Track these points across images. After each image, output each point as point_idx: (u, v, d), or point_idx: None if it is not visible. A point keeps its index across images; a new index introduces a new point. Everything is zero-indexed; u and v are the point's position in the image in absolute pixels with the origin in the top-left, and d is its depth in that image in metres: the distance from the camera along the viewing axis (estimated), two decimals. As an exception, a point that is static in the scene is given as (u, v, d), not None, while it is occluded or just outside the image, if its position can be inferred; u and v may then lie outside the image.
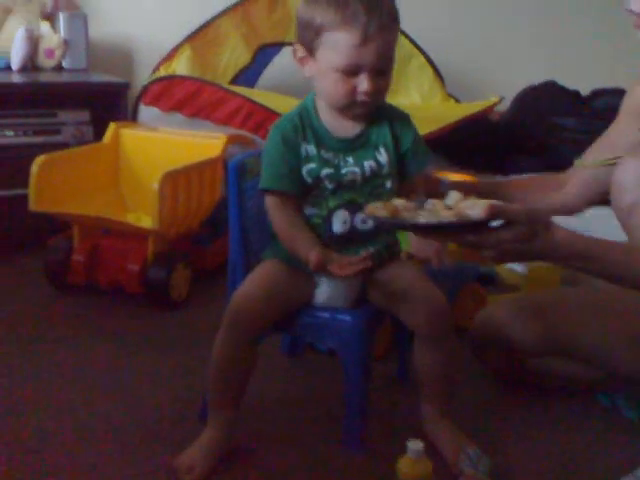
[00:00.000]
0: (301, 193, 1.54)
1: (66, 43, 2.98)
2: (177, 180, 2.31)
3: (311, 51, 1.49)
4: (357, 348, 1.60)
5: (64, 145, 2.71)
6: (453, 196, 1.36)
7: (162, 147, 2.62)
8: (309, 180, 1.53)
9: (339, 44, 1.44)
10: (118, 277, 2.33)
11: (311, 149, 1.53)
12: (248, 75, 3.20)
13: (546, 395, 1.89)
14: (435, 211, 1.32)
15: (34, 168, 2.28)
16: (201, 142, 2.58)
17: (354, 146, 1.56)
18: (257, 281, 1.55)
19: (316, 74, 1.51)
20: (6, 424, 1.69)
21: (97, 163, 2.59)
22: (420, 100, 3.41)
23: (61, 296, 2.39)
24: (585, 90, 3.57)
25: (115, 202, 2.60)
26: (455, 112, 3.15)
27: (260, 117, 2.72)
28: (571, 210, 1.83)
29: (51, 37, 2.98)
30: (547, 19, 3.95)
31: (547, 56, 3.90)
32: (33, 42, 2.92)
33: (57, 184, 2.36)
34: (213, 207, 2.49)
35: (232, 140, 2.57)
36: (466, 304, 2.18)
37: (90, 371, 1.94)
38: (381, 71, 1.48)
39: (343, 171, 1.54)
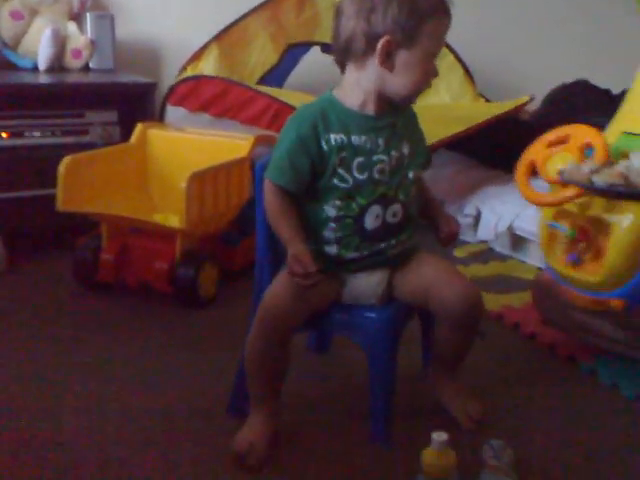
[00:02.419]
0: (305, 192, 1.53)
1: (93, 43, 2.98)
2: (205, 180, 2.29)
3: (410, 41, 1.47)
4: (383, 344, 1.59)
5: (92, 145, 2.70)
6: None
7: (190, 147, 2.61)
8: (340, 170, 1.51)
9: (439, 31, 1.49)
10: (146, 276, 2.33)
11: (340, 138, 1.51)
12: (276, 75, 3.19)
13: (571, 388, 1.89)
14: None
15: (61, 168, 2.29)
16: (229, 142, 2.56)
17: (384, 127, 1.54)
18: (285, 283, 1.54)
19: (404, 65, 1.48)
20: (34, 419, 1.70)
21: (124, 163, 2.59)
22: (450, 99, 3.38)
23: (90, 295, 2.38)
24: (617, 89, 3.52)
25: (143, 202, 2.59)
26: (485, 111, 3.12)
27: (288, 117, 2.70)
28: None
29: (78, 37, 2.98)
30: (578, 17, 3.91)
31: (578, 55, 3.85)
32: (60, 42, 2.93)
33: (84, 184, 2.36)
34: (240, 207, 2.47)
35: (260, 140, 2.55)
36: None
37: (118, 368, 1.94)
38: None
39: (374, 158, 1.53)
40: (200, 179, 2.27)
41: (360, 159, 1.52)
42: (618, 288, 1.68)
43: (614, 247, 1.64)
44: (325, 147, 1.51)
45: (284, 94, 2.90)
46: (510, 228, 2.82)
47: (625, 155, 1.58)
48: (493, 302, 2.33)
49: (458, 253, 2.85)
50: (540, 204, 1.63)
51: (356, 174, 1.52)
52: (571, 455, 1.61)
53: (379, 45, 1.46)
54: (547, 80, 3.47)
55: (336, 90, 1.57)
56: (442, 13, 1.49)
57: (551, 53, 3.82)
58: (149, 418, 1.71)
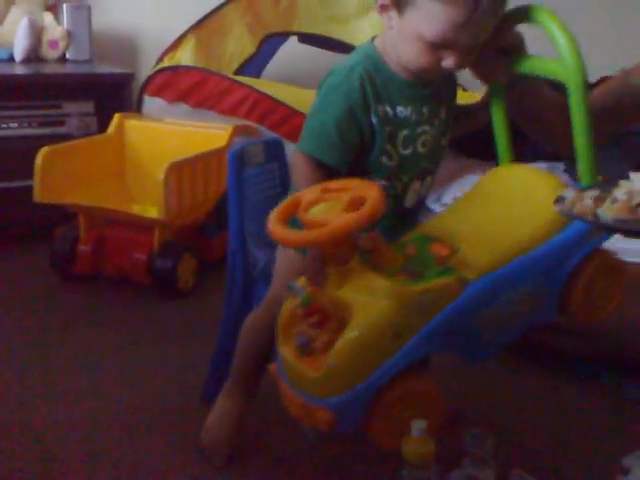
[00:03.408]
0: (348, 168, 1.34)
1: (70, 34, 2.97)
2: (182, 171, 2.30)
3: (399, 5, 1.27)
4: None
5: (68, 136, 2.69)
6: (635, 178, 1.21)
7: (167, 138, 2.61)
8: (388, 146, 1.34)
9: (436, 17, 1.23)
10: (124, 267, 2.33)
11: (388, 110, 1.33)
12: (253, 65, 3.18)
13: (549, 375, 1.90)
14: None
15: (38, 159, 2.29)
16: (207, 133, 2.56)
17: (428, 95, 1.37)
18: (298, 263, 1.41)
19: (397, 30, 1.30)
20: (16, 410, 1.70)
21: (102, 154, 2.58)
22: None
23: (67, 286, 2.38)
24: (592, 77, 3.53)
25: (120, 193, 2.59)
26: (463, 100, 3.12)
27: (266, 107, 2.70)
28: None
29: (54, 28, 2.96)
30: (556, 7, 3.91)
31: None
32: (36, 33, 2.91)
33: (62, 175, 2.36)
34: (219, 198, 2.47)
35: (238, 131, 2.55)
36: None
37: (97, 359, 1.94)
38: (472, 48, 1.30)
39: (419, 130, 1.36)
40: (178, 170, 2.27)
41: (405, 132, 1.35)
42: (332, 396, 1.20)
43: (346, 339, 1.18)
44: (375, 120, 1.32)
45: (262, 84, 2.89)
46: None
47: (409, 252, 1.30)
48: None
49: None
50: (285, 243, 1.22)
51: (401, 150, 1.36)
52: (551, 445, 1.63)
53: None
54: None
55: (378, 41, 1.36)
56: (457, 1, 1.22)
57: (530, 40, 3.83)
58: (129, 409, 1.72)
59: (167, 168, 2.22)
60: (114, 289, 2.35)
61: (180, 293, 2.31)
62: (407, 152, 1.37)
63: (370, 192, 1.17)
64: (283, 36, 3.24)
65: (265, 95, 2.69)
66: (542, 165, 3.24)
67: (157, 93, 2.91)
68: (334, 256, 1.22)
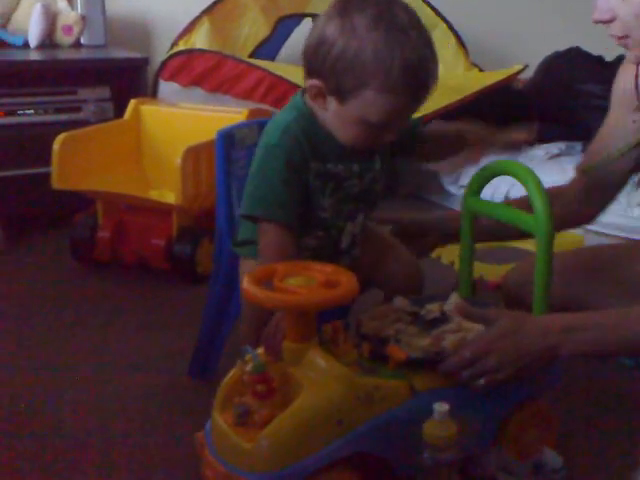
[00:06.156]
0: (299, 224, 1.38)
1: (84, 19, 2.96)
2: (199, 155, 2.29)
3: (340, 96, 1.30)
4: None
5: (85, 122, 2.70)
6: (452, 299, 1.40)
7: (183, 122, 2.60)
8: (321, 200, 1.39)
9: (381, 105, 1.29)
10: (143, 253, 2.33)
11: (319, 166, 1.37)
12: (268, 48, 3.18)
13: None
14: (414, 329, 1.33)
15: (56, 146, 2.28)
16: (223, 117, 2.54)
17: (361, 153, 1.40)
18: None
19: (335, 114, 1.33)
20: (31, 396, 1.70)
21: (118, 140, 2.58)
22: (443, 69, 3.35)
23: (87, 272, 2.39)
24: (610, 56, 3.51)
25: (138, 178, 2.59)
26: (478, 81, 3.11)
27: (281, 90, 2.70)
28: (582, 219, 1.82)
29: (68, 13, 2.95)
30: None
31: (571, 22, 3.83)
32: (50, 19, 2.90)
33: (79, 162, 2.36)
34: (236, 182, 2.47)
35: (254, 114, 2.54)
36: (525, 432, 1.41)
37: (117, 346, 1.94)
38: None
39: (345, 184, 1.40)
40: (195, 154, 2.26)
41: (332, 185, 1.39)
42: (261, 472, 1.15)
43: (288, 415, 1.16)
44: (310, 176, 1.37)
45: (277, 67, 2.88)
46: (507, 198, 2.82)
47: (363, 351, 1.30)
48: (493, 272, 2.34)
49: (455, 224, 2.85)
50: (258, 302, 1.17)
51: (329, 200, 1.40)
52: (569, 426, 1.61)
53: (307, 83, 1.32)
54: (540, 48, 3.46)
55: (308, 98, 1.37)
56: (402, 92, 1.28)
57: (543, 21, 3.80)
58: (149, 396, 1.71)
59: (184, 153, 2.21)
60: (133, 275, 2.36)
61: (199, 278, 2.31)
62: (333, 201, 1.40)
63: (345, 278, 1.19)
64: (297, 18, 3.23)
65: (280, 78, 2.69)
66: (561, 145, 3.24)
67: (172, 77, 2.92)
68: (295, 330, 1.21)
